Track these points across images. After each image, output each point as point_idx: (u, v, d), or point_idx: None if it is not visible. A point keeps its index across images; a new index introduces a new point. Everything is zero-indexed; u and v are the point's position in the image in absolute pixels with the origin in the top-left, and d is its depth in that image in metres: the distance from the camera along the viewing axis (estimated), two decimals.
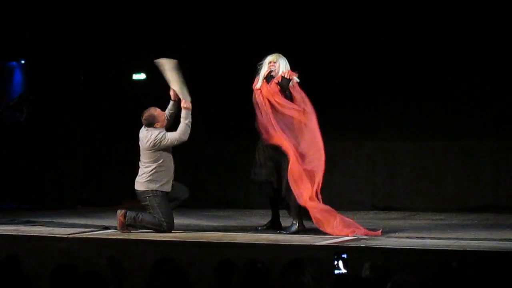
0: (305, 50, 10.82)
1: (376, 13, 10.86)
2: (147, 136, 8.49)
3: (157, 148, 8.43)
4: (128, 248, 7.66)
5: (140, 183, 8.51)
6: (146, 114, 8.54)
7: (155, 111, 8.55)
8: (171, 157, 8.55)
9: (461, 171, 10.84)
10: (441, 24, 10.67)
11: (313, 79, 9.39)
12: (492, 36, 10.50)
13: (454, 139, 10.85)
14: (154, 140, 8.42)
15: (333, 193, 10.32)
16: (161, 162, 8.45)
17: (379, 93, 11.03)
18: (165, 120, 8.59)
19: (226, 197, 11.86)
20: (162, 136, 8.42)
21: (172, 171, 8.54)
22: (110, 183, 12.05)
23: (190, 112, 8.50)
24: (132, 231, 8.42)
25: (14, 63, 12.01)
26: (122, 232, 8.37)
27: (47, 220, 9.65)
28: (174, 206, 8.63)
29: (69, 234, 8.28)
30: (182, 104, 8.53)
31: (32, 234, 8.47)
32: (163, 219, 8.38)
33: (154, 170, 8.45)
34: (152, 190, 8.43)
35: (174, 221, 8.55)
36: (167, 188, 8.50)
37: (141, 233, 8.37)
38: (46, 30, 11.55)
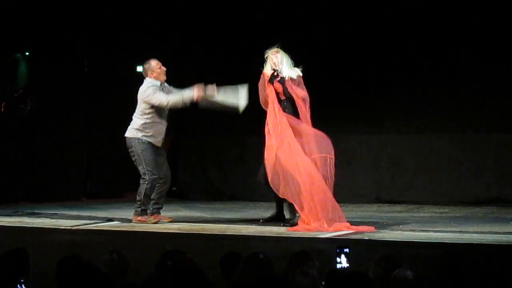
0: (309, 44, 10.80)
1: (384, 7, 10.83)
2: (142, 87, 8.69)
3: (147, 101, 8.58)
4: (131, 240, 7.67)
5: (129, 130, 8.72)
6: (145, 62, 8.78)
7: (154, 61, 8.76)
8: (165, 115, 8.71)
9: (465, 164, 10.81)
10: (447, 18, 10.64)
11: (319, 74, 9.39)
12: (492, 33, 10.47)
13: (458, 132, 10.83)
14: (145, 92, 8.61)
15: (338, 186, 10.30)
16: (151, 117, 8.62)
17: (384, 87, 11.00)
18: (162, 74, 8.73)
19: (230, 190, 11.85)
20: (152, 93, 8.56)
21: (162, 127, 8.70)
22: (114, 175, 12.06)
23: (193, 99, 8.57)
24: (147, 218, 8.50)
25: (19, 55, 12.00)
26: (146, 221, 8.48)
27: (51, 212, 9.68)
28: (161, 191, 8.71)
29: (73, 226, 8.31)
30: (202, 92, 8.56)
31: (36, 226, 8.49)
32: (146, 167, 8.51)
33: (143, 122, 8.63)
34: (138, 137, 8.60)
35: (178, 214, 8.56)
36: (155, 141, 8.64)
37: (145, 225, 8.40)
38: (50, 22, 11.54)
